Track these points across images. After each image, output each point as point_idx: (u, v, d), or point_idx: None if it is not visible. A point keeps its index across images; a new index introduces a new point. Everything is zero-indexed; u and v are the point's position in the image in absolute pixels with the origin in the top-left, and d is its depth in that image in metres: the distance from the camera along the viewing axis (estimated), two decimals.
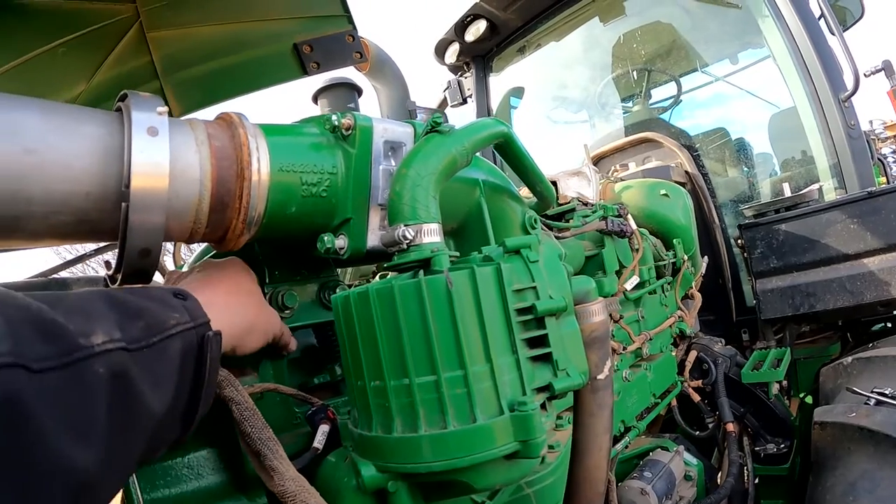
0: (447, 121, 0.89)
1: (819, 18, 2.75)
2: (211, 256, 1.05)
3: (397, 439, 0.72)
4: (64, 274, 2.11)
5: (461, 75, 3.88)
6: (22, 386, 0.46)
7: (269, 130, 0.85)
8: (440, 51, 3.72)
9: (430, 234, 0.79)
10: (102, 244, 2.08)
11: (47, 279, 1.89)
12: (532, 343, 0.80)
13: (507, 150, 1.03)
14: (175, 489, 0.90)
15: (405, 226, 0.78)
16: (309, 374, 1.12)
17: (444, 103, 3.77)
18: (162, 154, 0.72)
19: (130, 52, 2.00)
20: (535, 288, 0.81)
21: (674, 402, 2.16)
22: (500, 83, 3.83)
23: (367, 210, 0.90)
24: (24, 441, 0.46)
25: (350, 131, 0.89)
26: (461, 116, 3.85)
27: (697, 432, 2.29)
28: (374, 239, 0.91)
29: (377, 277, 1.41)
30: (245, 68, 2.02)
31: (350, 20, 2.02)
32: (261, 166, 0.80)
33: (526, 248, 0.82)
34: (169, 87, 2.00)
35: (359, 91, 2.07)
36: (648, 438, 1.97)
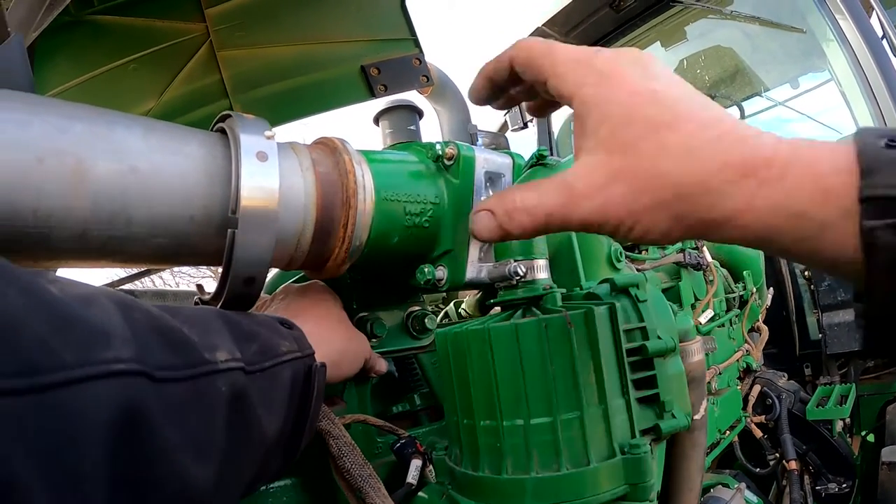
0: (506, 145, 0.88)
1: (881, 39, 2.69)
2: (296, 280, 1.04)
3: (507, 480, 0.70)
4: (129, 286, 2.15)
5: None
6: (145, 395, 0.44)
7: (371, 157, 0.85)
8: None
9: (541, 271, 0.78)
10: None
11: (114, 290, 1.92)
12: (639, 384, 0.78)
13: None
14: None
15: (516, 261, 0.76)
16: (388, 402, 1.11)
17: (504, 127, 3.76)
18: (272, 180, 0.70)
19: (200, 70, 2.03)
20: (643, 328, 0.79)
21: (735, 438, 2.10)
22: (561, 108, 3.76)
23: (467, 241, 0.89)
24: (144, 456, 0.44)
25: (452, 161, 0.88)
26: (521, 141, 3.84)
27: (757, 469, 2.22)
28: (472, 271, 0.89)
29: (452, 304, 1.40)
30: (313, 89, 2.03)
31: (417, 44, 2.03)
32: (366, 195, 0.79)
33: (634, 287, 0.80)
34: (238, 105, 2.03)
35: (420, 113, 2.07)
36: (709, 474, 1.91)
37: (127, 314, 0.47)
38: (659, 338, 0.79)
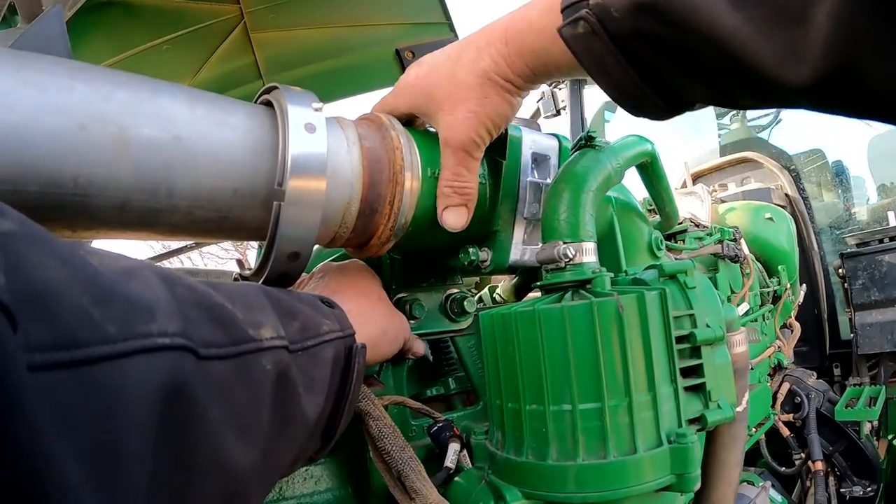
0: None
1: None
2: (335, 258, 1.04)
3: (551, 467, 0.69)
4: (160, 265, 2.16)
5: (555, 86, 3.82)
6: (190, 372, 0.42)
7: (417, 135, 0.83)
8: None
9: (589, 254, 0.76)
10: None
11: None
12: (686, 372, 0.76)
13: (650, 170, 1.00)
14: (293, 501, 0.89)
15: (564, 243, 0.75)
16: (422, 385, 1.10)
17: (537, 114, 3.73)
18: (320, 153, 0.68)
19: (234, 51, 2.03)
20: (692, 315, 0.77)
21: (761, 435, 2.08)
22: (594, 95, 3.74)
23: (512, 223, 0.87)
24: (188, 435, 0.42)
25: (499, 140, 0.87)
26: (554, 128, 3.81)
27: (783, 468, 2.19)
28: (516, 253, 0.88)
29: (486, 289, 1.38)
30: (347, 72, 2.03)
31: (451, 28, 2.02)
32: (413, 171, 0.78)
33: (683, 274, 0.78)
34: None
35: None
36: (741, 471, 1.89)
37: (171, 287, 0.45)
38: (707, 326, 0.78)
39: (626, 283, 0.80)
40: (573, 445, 0.68)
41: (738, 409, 0.92)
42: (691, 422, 0.76)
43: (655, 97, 0.63)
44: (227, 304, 0.52)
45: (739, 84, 0.57)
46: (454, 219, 0.80)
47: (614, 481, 0.68)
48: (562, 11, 0.61)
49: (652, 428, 0.70)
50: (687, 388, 0.76)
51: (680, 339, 0.75)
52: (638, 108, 0.66)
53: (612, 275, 0.77)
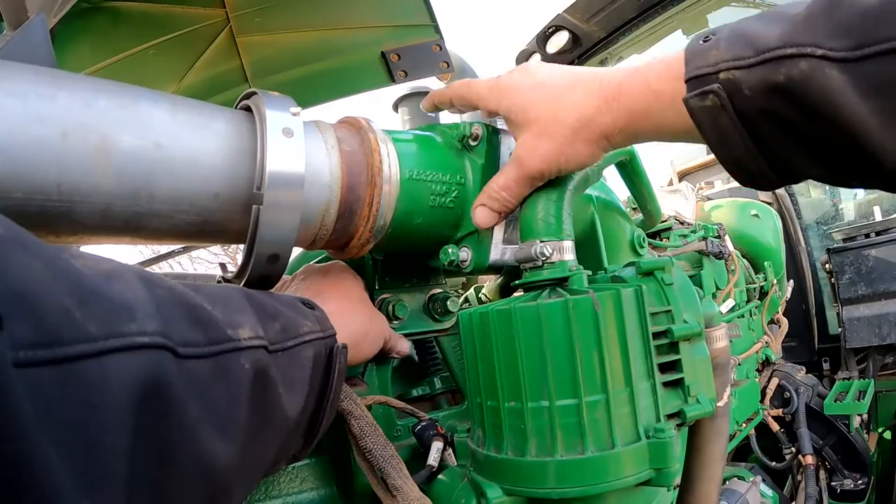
0: None
1: None
2: (318, 260, 1.04)
3: (530, 463, 0.70)
4: (150, 269, 2.15)
5: None
6: (169, 370, 0.43)
7: (396, 137, 0.84)
8: (521, 61, 3.69)
9: (566, 252, 0.77)
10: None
11: None
12: (664, 368, 0.77)
13: (629, 168, 1.01)
14: (277, 500, 0.89)
15: (541, 242, 0.76)
16: (407, 384, 1.11)
17: None
18: (298, 157, 0.70)
19: (220, 55, 2.03)
20: (670, 311, 0.78)
21: (751, 430, 2.09)
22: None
23: None
24: (167, 431, 0.43)
25: (478, 141, 0.87)
26: None
27: (773, 463, 2.20)
28: (496, 253, 0.88)
29: (472, 289, 1.39)
30: (333, 75, 2.03)
31: (437, 30, 2.02)
32: (391, 173, 0.78)
33: (660, 271, 0.79)
34: None
35: None
36: (725, 466, 1.90)
37: (151, 289, 0.46)
38: (685, 322, 0.79)
39: (605, 281, 0.81)
40: (551, 441, 0.69)
41: (720, 404, 0.93)
42: (670, 417, 0.77)
43: (770, 171, 0.64)
44: (206, 304, 0.54)
45: (857, 168, 0.59)
46: (484, 218, 0.83)
47: (593, 476, 0.68)
48: (686, 81, 0.62)
49: (630, 423, 0.71)
50: (665, 384, 0.77)
51: (658, 335, 0.76)
52: (750, 179, 0.67)
53: (589, 273, 0.78)
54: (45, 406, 0.33)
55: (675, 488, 0.97)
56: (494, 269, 0.91)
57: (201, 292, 0.56)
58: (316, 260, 1.04)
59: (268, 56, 2.04)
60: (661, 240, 1.49)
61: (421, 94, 2.00)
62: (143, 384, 0.40)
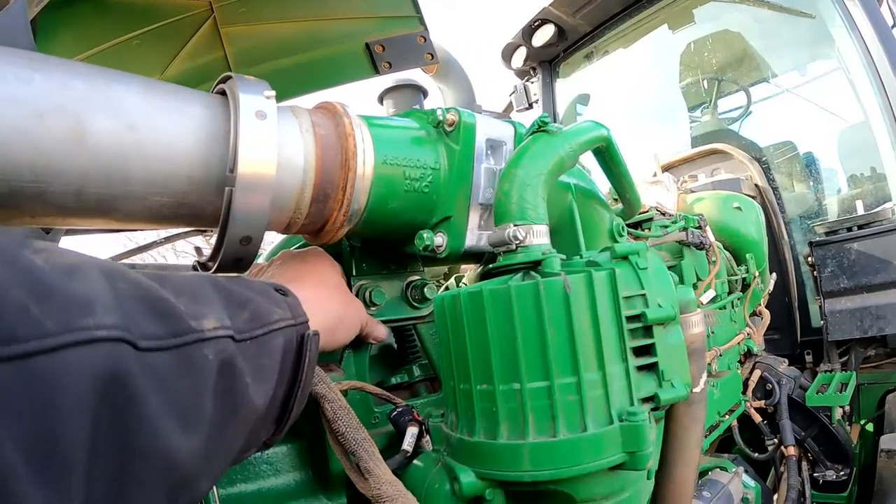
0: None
1: (892, 28, 2.66)
2: (298, 247, 1.04)
3: (502, 446, 0.70)
4: (132, 260, 2.14)
5: (528, 80, 3.86)
6: (128, 363, 0.43)
7: (372, 122, 0.84)
8: (507, 55, 3.71)
9: (539, 236, 0.77)
10: (172, 232, 2.12)
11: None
12: (638, 352, 0.77)
13: (606, 155, 1.01)
14: (253, 485, 0.89)
15: (515, 226, 0.76)
16: (386, 372, 1.11)
17: (509, 107, 3.75)
18: (270, 139, 0.70)
19: (204, 46, 2.02)
20: (644, 295, 0.78)
21: (734, 422, 2.10)
22: (566, 89, 3.80)
23: (467, 208, 0.88)
24: (126, 423, 0.43)
25: (453, 127, 0.87)
26: (526, 121, 3.83)
27: (756, 454, 2.22)
28: (472, 238, 0.88)
29: (453, 278, 1.39)
30: (317, 66, 2.02)
31: (422, 21, 2.01)
32: (366, 158, 0.78)
33: (635, 255, 0.79)
34: None
35: (424, 93, 2.05)
36: (707, 457, 1.92)
37: (112, 283, 0.46)
38: (659, 306, 0.79)
39: (580, 265, 0.81)
40: (523, 424, 0.69)
41: (696, 389, 0.93)
42: (645, 401, 0.77)
43: None
44: (170, 297, 0.53)
45: None
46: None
47: (565, 459, 0.69)
48: None
49: (602, 406, 0.71)
50: (640, 368, 0.77)
51: (631, 319, 0.76)
52: None
53: (563, 256, 0.78)
54: (2, 403, 0.34)
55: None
56: (471, 255, 0.91)
57: (168, 284, 0.55)
58: (295, 247, 1.04)
59: (251, 46, 2.03)
60: (643, 230, 1.50)
61: (406, 86, 2.00)
62: (101, 378, 0.41)
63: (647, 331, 0.77)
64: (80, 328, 0.40)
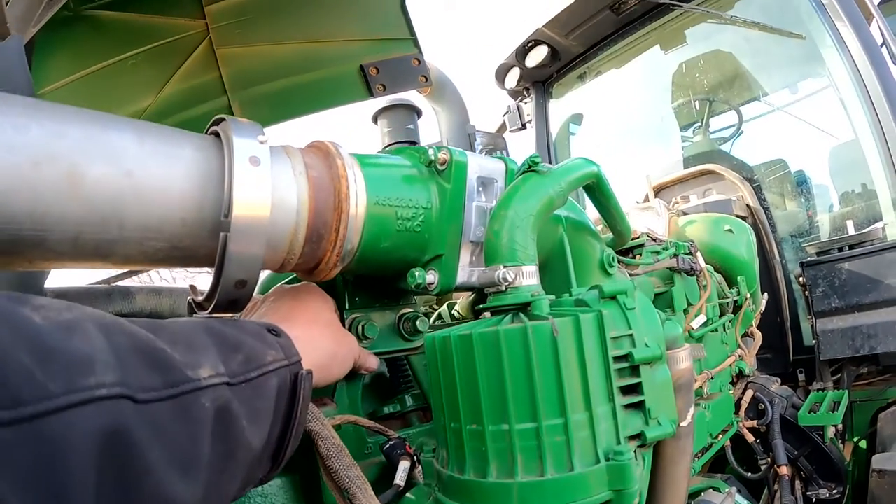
0: (508, 149, 0.88)
1: (881, 46, 2.69)
2: (290, 280, 1.05)
3: (492, 484, 0.71)
4: (126, 282, 2.15)
5: (521, 100, 3.89)
6: (128, 417, 0.45)
7: (364, 161, 0.85)
8: (500, 75, 3.74)
9: (529, 277, 0.78)
10: None
11: (110, 286, 1.92)
12: (625, 391, 0.79)
13: (596, 191, 1.02)
14: None
15: (505, 267, 0.77)
16: (379, 402, 1.12)
17: (503, 128, 3.78)
18: (264, 186, 0.71)
19: (199, 67, 2.04)
20: (631, 335, 0.79)
21: (727, 442, 2.11)
22: (559, 109, 3.83)
23: (458, 246, 0.89)
24: (130, 475, 0.45)
25: (445, 166, 0.88)
26: (520, 142, 3.85)
27: (749, 473, 2.23)
28: (463, 275, 0.90)
29: (445, 306, 1.40)
30: (312, 88, 2.04)
31: (416, 44, 2.03)
32: (358, 199, 0.79)
33: (622, 295, 0.80)
34: (237, 103, 2.03)
35: (418, 113, 2.07)
36: (699, 478, 1.92)
37: (109, 337, 0.48)
38: (646, 345, 0.80)
39: (569, 304, 0.82)
40: (511, 464, 0.70)
41: (683, 424, 0.94)
42: (631, 439, 0.78)
43: None
44: (166, 347, 0.55)
45: None
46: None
47: (553, 498, 0.70)
48: None
49: (589, 446, 0.72)
50: (626, 406, 0.78)
51: (618, 359, 0.77)
52: None
53: (551, 297, 0.80)
54: (10, 464, 0.36)
55: None
56: (462, 289, 0.92)
57: (163, 333, 0.57)
58: (287, 280, 1.05)
59: (247, 68, 2.04)
60: (634, 257, 1.51)
61: (401, 106, 2.01)
62: (104, 434, 0.42)
63: (634, 370, 0.79)
64: (82, 388, 0.42)
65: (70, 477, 0.39)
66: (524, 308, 0.77)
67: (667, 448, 0.96)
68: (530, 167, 0.85)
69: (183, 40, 1.99)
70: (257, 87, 2.04)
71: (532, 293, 0.77)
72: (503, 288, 0.77)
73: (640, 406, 0.80)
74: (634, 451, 0.79)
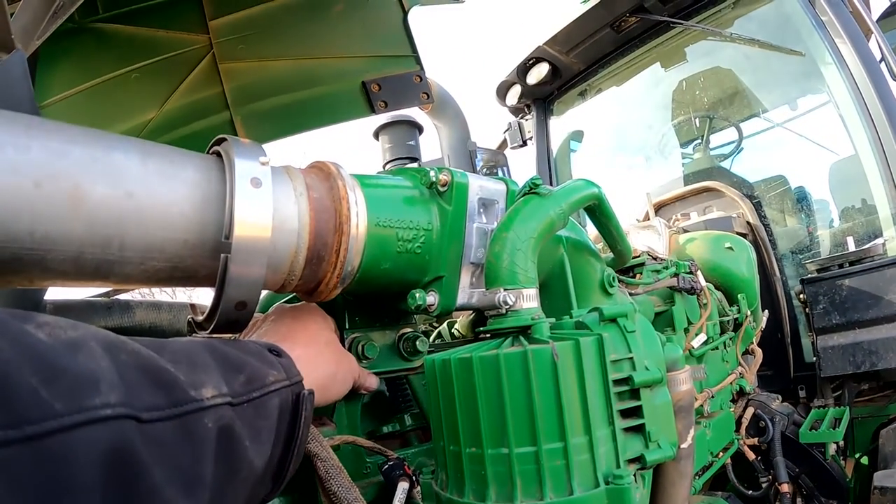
0: (508, 167, 0.88)
1: (880, 62, 2.71)
2: (289, 299, 1.05)
3: None
4: (125, 296, 2.14)
5: (522, 117, 3.92)
6: (133, 437, 0.45)
7: (365, 182, 0.85)
8: (502, 92, 3.77)
9: (529, 300, 0.78)
10: None
11: (110, 300, 1.92)
12: (625, 414, 0.78)
13: (598, 212, 1.03)
14: None
15: (505, 290, 0.77)
16: (378, 421, 1.12)
17: (503, 145, 3.79)
18: (265, 208, 0.71)
19: (202, 81, 2.05)
20: (631, 359, 0.79)
21: (727, 460, 2.10)
22: (560, 126, 3.84)
23: (459, 267, 0.90)
24: (134, 495, 0.45)
25: (446, 187, 0.89)
26: (521, 158, 3.87)
27: (750, 491, 2.22)
28: (463, 297, 0.90)
29: (445, 324, 1.40)
30: (314, 104, 2.05)
31: (418, 60, 2.04)
32: (359, 221, 0.80)
33: (623, 318, 0.80)
34: (239, 118, 2.04)
35: (420, 129, 2.07)
36: (700, 496, 1.91)
37: (114, 356, 0.48)
38: (647, 368, 0.80)
39: (569, 327, 0.82)
40: (511, 488, 0.70)
41: (683, 446, 0.94)
42: (631, 462, 0.78)
43: None
44: (170, 367, 0.55)
45: None
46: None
47: None
48: None
49: (588, 470, 0.72)
50: (626, 429, 0.78)
51: (619, 382, 0.77)
52: None
53: (551, 321, 0.80)
54: (16, 483, 0.36)
55: None
56: (463, 310, 0.92)
57: (166, 352, 0.57)
58: (286, 299, 1.05)
59: (249, 83, 2.05)
60: (634, 276, 1.51)
61: (402, 122, 2.01)
62: (108, 453, 0.42)
63: (635, 393, 0.79)
64: (87, 408, 0.42)
65: (75, 497, 0.39)
66: (524, 331, 0.77)
67: (667, 470, 0.96)
68: (531, 189, 0.85)
69: (186, 54, 2.00)
70: (260, 103, 2.05)
71: (532, 316, 0.77)
72: (503, 311, 0.77)
73: (640, 429, 0.80)
74: (634, 474, 0.79)
